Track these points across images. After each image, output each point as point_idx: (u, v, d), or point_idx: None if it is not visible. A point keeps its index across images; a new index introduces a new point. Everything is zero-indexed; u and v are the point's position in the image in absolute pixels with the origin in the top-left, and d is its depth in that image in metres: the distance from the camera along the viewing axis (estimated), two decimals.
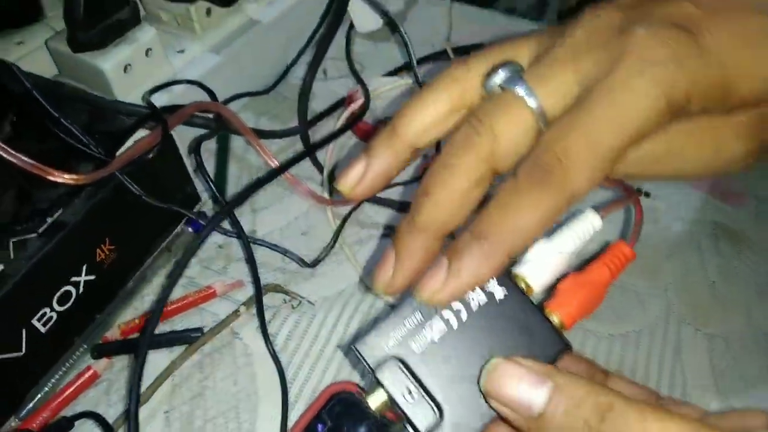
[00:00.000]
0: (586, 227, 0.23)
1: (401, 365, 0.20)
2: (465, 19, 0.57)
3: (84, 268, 0.35)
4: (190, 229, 0.41)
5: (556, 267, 0.23)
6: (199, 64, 0.46)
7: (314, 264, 0.40)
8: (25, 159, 0.31)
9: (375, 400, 0.20)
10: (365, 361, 0.21)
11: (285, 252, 0.41)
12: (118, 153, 0.35)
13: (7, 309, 0.31)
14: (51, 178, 0.32)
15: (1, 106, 0.36)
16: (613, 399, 0.18)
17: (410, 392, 0.20)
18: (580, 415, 0.18)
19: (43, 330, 0.34)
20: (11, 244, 0.33)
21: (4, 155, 0.30)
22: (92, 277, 0.36)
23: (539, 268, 0.22)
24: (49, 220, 0.34)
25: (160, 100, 0.41)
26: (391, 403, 0.20)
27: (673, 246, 0.42)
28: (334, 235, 0.41)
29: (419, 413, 0.20)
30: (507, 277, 0.21)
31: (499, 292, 0.21)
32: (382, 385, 0.20)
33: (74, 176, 0.32)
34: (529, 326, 0.21)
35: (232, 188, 0.45)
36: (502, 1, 0.64)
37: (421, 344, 0.21)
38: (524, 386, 0.19)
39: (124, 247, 0.37)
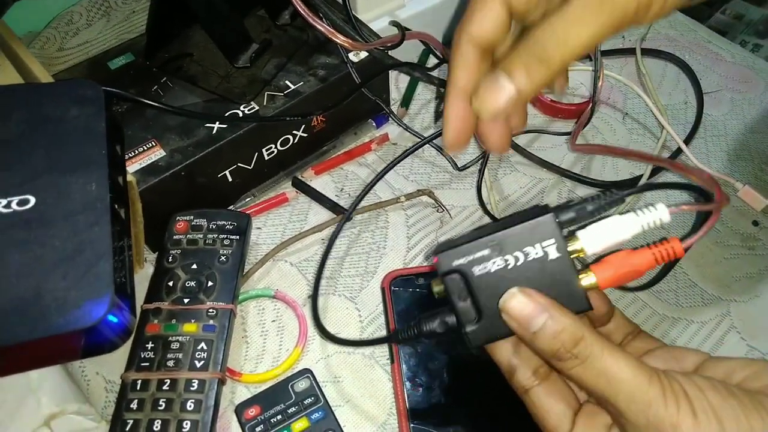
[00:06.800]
0: (654, 218, 0.27)
1: (462, 277, 0.27)
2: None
3: (302, 127, 0.50)
4: (374, 123, 0.55)
5: (612, 241, 0.27)
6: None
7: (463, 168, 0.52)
8: (324, 25, 0.46)
9: (437, 289, 0.28)
10: (438, 267, 0.27)
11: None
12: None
13: (253, 137, 0.47)
14: (335, 39, 0.46)
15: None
16: (585, 333, 0.26)
17: (462, 297, 0.27)
18: (560, 339, 0.26)
19: (266, 157, 0.50)
20: (266, 95, 0.48)
21: (309, 20, 0.45)
22: (305, 135, 0.51)
23: (597, 237, 0.27)
24: (293, 87, 0.49)
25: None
26: (447, 296, 0.27)
27: (757, 272, 0.48)
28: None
29: (464, 310, 0.27)
30: (565, 240, 0.26)
31: (553, 254, 0.26)
32: (445, 284, 0.27)
33: (348, 40, 0.46)
34: (564, 283, 0.27)
35: (416, 106, 0.58)
36: None
37: (481, 270, 0.27)
38: (527, 310, 0.26)
39: (330, 122, 0.52)
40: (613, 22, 0.25)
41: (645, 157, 0.51)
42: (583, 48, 0.26)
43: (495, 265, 0.27)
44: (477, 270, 0.27)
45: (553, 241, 0.26)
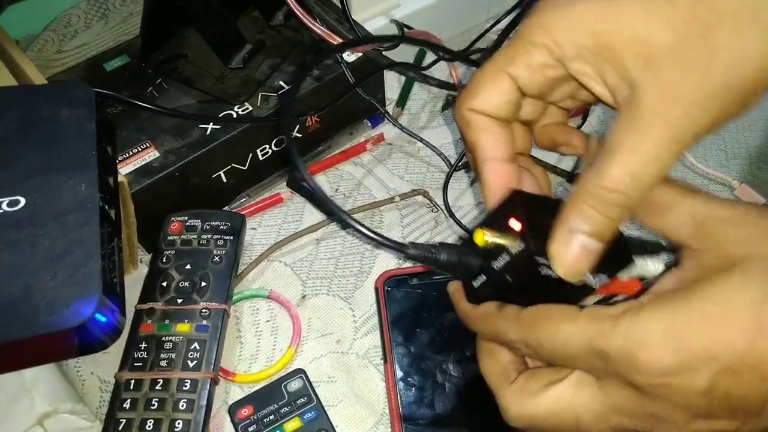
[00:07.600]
0: (648, 267, 0.29)
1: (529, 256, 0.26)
2: None
3: (297, 127, 0.50)
4: (369, 123, 0.55)
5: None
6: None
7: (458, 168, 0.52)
8: (318, 26, 0.47)
9: (490, 240, 0.27)
10: (524, 236, 0.26)
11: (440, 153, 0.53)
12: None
13: (247, 138, 0.47)
14: (330, 40, 0.47)
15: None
16: None
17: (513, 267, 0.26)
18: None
19: (260, 158, 0.50)
20: (259, 96, 0.49)
21: (304, 20, 0.46)
22: (299, 135, 0.51)
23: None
24: (287, 87, 0.49)
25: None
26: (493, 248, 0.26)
27: None
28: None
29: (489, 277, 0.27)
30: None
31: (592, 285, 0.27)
32: (519, 250, 0.26)
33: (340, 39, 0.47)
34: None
35: (412, 105, 0.58)
36: None
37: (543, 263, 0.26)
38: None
39: (325, 122, 0.52)
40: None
41: None
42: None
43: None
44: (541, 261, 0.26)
45: None
